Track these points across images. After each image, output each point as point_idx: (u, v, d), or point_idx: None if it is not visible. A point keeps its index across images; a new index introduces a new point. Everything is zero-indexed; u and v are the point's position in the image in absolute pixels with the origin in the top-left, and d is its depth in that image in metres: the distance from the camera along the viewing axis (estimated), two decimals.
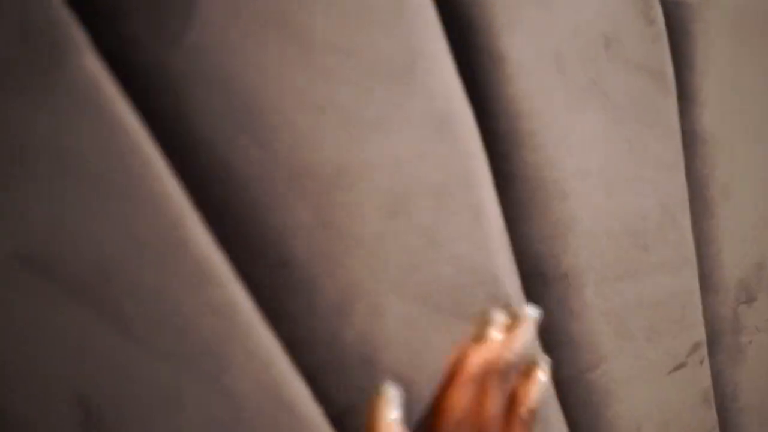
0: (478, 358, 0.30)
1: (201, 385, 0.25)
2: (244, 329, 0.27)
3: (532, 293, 0.36)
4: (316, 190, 0.28)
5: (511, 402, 0.31)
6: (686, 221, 0.42)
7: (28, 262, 0.21)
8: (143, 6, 0.25)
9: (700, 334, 0.44)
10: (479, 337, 0.31)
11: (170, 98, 0.25)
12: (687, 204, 0.42)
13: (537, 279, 0.36)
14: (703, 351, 0.44)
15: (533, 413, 0.31)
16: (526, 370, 0.32)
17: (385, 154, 0.29)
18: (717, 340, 0.46)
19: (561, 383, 0.38)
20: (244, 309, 0.27)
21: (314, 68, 0.28)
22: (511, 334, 0.31)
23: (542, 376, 0.32)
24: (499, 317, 0.32)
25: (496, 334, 0.31)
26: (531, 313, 0.32)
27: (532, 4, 0.34)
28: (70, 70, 0.23)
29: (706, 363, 0.44)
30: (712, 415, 0.45)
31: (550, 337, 0.37)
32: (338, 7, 0.28)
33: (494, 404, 0.30)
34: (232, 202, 0.27)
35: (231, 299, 0.27)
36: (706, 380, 0.44)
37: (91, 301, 0.23)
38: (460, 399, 0.29)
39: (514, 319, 0.32)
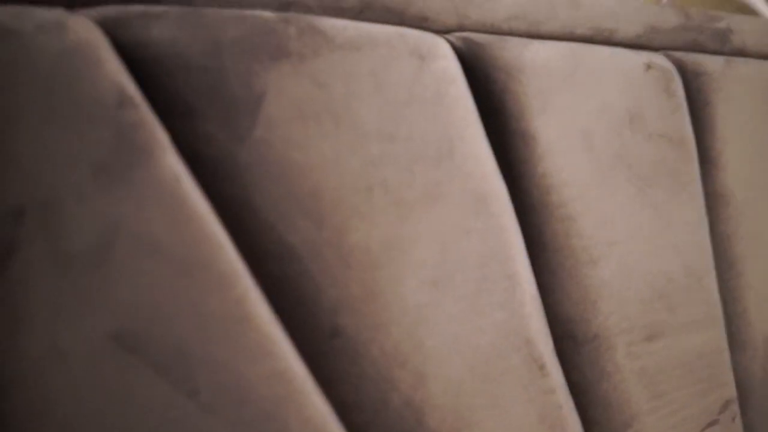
0: None
1: None
2: (299, 396, 0.29)
3: (564, 355, 0.38)
4: (364, 264, 0.31)
5: None
6: (712, 281, 0.44)
7: (121, 340, 0.24)
8: (216, 106, 0.28)
9: (731, 391, 0.45)
10: None
11: (238, 187, 0.28)
12: (712, 264, 0.44)
13: (569, 341, 0.38)
14: (735, 408, 0.45)
15: None
16: None
17: (429, 230, 0.32)
18: (748, 397, 0.47)
19: None
20: (300, 377, 0.29)
21: (365, 153, 0.31)
22: None
23: None
24: None
25: None
26: None
27: (561, 87, 0.36)
28: (154, 167, 0.26)
29: (738, 420, 0.45)
30: None
31: (582, 397, 0.39)
32: (386, 97, 0.31)
33: None
34: (290, 278, 0.30)
35: (288, 369, 0.29)
36: None
37: (170, 375, 0.25)
38: None
39: None
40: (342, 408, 0.31)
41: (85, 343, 0.24)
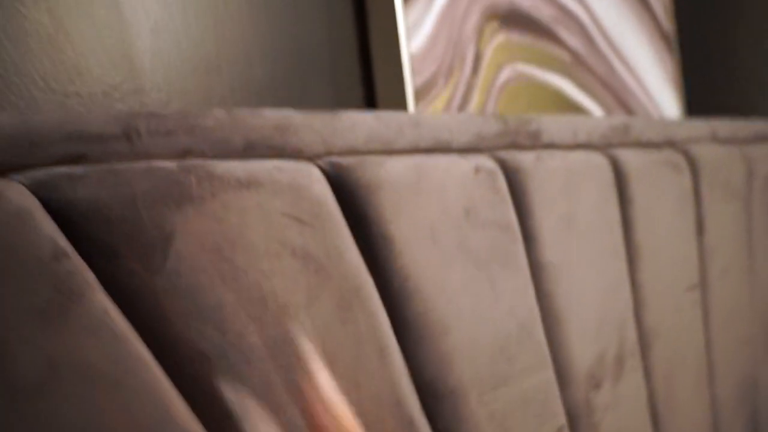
0: None
1: None
2: None
3: (429, 409, 0.47)
4: (263, 359, 0.38)
5: None
6: (540, 333, 0.55)
7: None
8: (134, 247, 0.34)
9: (562, 419, 0.56)
10: None
11: (156, 309, 0.34)
12: (539, 319, 0.55)
13: (432, 398, 0.47)
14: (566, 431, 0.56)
15: None
16: None
17: (312, 325, 0.40)
18: (576, 422, 0.59)
19: None
20: None
21: (257, 270, 0.38)
22: None
23: None
24: None
25: None
26: None
27: (410, 195, 0.46)
28: (86, 305, 0.32)
29: None
30: None
31: None
32: (271, 223, 0.39)
33: None
34: (202, 378, 0.36)
35: None
36: None
37: None
38: None
39: None
40: None
41: None
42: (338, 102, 0.66)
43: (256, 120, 0.41)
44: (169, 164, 0.37)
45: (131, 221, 0.34)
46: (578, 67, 0.90)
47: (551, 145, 0.61)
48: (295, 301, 0.39)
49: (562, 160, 0.60)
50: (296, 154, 0.43)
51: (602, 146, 0.67)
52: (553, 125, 0.62)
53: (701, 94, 1.18)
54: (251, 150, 0.41)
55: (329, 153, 0.45)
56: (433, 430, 0.47)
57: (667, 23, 1.08)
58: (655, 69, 1.05)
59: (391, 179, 0.46)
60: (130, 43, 0.50)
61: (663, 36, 1.07)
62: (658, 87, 1.05)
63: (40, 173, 0.33)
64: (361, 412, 0.41)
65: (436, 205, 0.48)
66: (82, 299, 0.32)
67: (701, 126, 0.84)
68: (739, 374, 0.81)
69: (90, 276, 0.32)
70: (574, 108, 0.89)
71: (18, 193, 0.31)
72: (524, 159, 0.57)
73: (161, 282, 0.35)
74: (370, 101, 0.69)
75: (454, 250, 0.49)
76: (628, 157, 0.68)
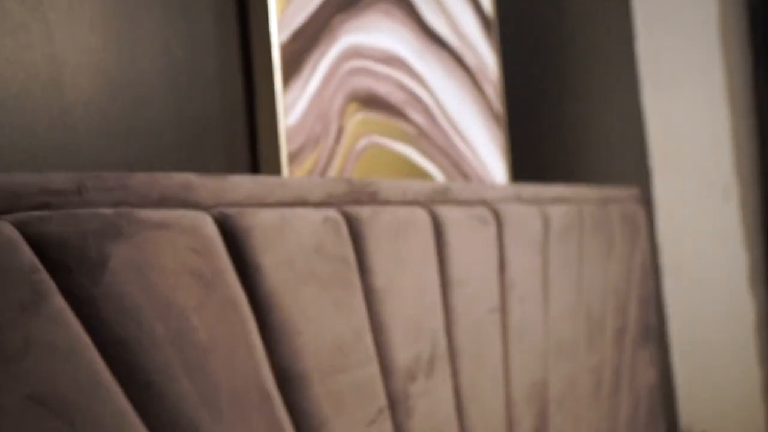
0: None
1: None
2: None
3: (283, 387, 0.66)
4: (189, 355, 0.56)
5: None
6: (369, 338, 0.76)
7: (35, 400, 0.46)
8: (83, 267, 0.51)
9: (383, 401, 0.77)
10: None
11: (97, 309, 0.52)
12: (369, 329, 0.77)
13: (286, 379, 0.67)
14: (386, 412, 0.77)
15: None
16: None
17: (210, 345, 0.58)
18: (397, 405, 0.80)
19: None
20: None
21: (166, 285, 0.56)
22: None
23: None
24: None
25: None
26: None
27: (276, 237, 0.66)
28: (51, 303, 0.49)
29: (389, 419, 0.78)
30: None
31: (294, 412, 0.67)
32: (176, 251, 0.58)
33: None
34: (129, 363, 0.54)
35: None
36: (389, 428, 0.77)
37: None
38: None
39: None
40: None
41: (10, 400, 0.46)
42: (229, 165, 0.86)
43: (167, 180, 0.60)
44: (108, 210, 0.54)
45: (81, 249, 0.52)
46: (423, 139, 1.14)
47: (386, 202, 0.84)
48: (190, 305, 0.58)
49: (393, 214, 0.83)
50: (195, 205, 0.62)
51: (426, 203, 0.90)
52: (388, 187, 0.85)
53: (525, 163, 1.48)
54: (164, 201, 0.59)
55: (218, 205, 0.64)
56: (286, 403, 0.67)
57: (497, 104, 1.37)
58: (487, 142, 1.33)
59: (263, 224, 0.66)
60: (68, 113, 0.67)
61: (494, 115, 1.36)
62: (489, 157, 1.33)
63: (21, 215, 0.50)
64: (233, 389, 0.60)
65: (294, 243, 0.68)
66: (47, 299, 0.49)
67: (509, 189, 1.10)
68: (530, 378, 1.07)
69: (53, 285, 0.50)
70: (420, 172, 1.13)
71: (6, 229, 0.48)
72: (363, 212, 0.78)
73: (99, 291, 0.52)
74: (254, 164, 0.89)
75: (307, 276, 0.69)
76: (446, 212, 0.92)
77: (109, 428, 0.52)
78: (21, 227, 0.49)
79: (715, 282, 2.14)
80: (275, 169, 0.87)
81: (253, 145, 0.89)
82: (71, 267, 0.51)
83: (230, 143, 0.85)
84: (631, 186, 1.74)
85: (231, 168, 0.85)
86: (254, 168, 0.89)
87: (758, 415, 2.06)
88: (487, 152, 1.32)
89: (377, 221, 0.80)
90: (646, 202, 2.16)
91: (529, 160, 1.50)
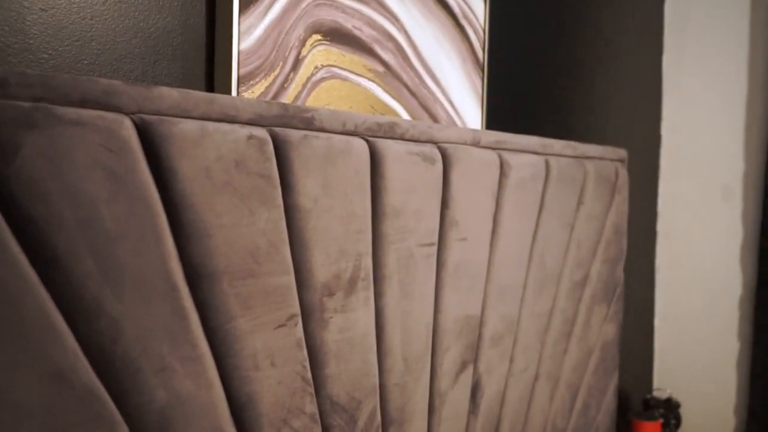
0: None
1: None
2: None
3: (192, 283, 0.74)
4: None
5: None
6: (287, 251, 0.83)
7: None
8: None
9: (295, 309, 0.85)
10: None
11: (7, 188, 0.59)
12: (287, 240, 0.83)
13: (197, 276, 0.74)
14: (298, 319, 0.85)
15: None
16: None
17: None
18: (310, 316, 0.88)
19: (209, 333, 0.76)
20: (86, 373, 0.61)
21: (78, 177, 0.63)
22: None
23: None
24: None
25: None
26: None
27: (194, 146, 0.72)
28: None
29: (300, 326, 0.85)
30: (303, 354, 0.86)
31: (203, 307, 0.75)
32: (90, 147, 0.65)
33: None
34: (43, 244, 0.62)
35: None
36: (299, 334, 0.85)
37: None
38: None
39: None
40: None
41: None
42: (185, 82, 0.92)
43: (90, 84, 0.67)
44: (26, 104, 0.61)
45: None
46: (390, 78, 1.18)
47: (321, 129, 0.89)
48: (100, 197, 0.65)
49: (326, 140, 0.88)
50: (116, 109, 0.69)
51: (365, 135, 0.95)
52: (327, 115, 0.90)
53: (500, 110, 1.50)
54: (84, 103, 0.66)
55: (140, 112, 0.71)
56: (193, 296, 0.75)
57: (479, 51, 1.39)
58: (464, 88, 1.35)
59: (181, 134, 0.72)
60: (23, 17, 0.74)
61: (475, 61, 1.38)
62: (465, 103, 1.36)
63: None
64: (138, 274, 0.68)
65: (212, 155, 0.75)
66: None
67: (466, 132, 1.14)
68: (464, 312, 1.13)
69: None
70: (384, 109, 1.17)
71: None
72: (293, 135, 0.84)
73: (11, 171, 0.60)
74: (210, 85, 0.95)
75: (223, 186, 0.76)
76: (387, 145, 0.97)
77: (15, 294, 0.60)
78: None
79: (707, 254, 2.13)
80: (226, 91, 0.93)
81: (210, 66, 0.95)
82: None
83: (188, 62, 0.91)
84: (620, 148, 1.74)
85: (186, 86, 0.91)
86: (210, 89, 0.95)
87: (730, 388, 2.09)
88: (462, 98, 1.35)
89: (307, 145, 0.85)
90: (652, 167, 2.15)
91: (518, 114, 1.52)
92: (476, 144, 1.16)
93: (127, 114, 0.69)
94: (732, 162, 2.08)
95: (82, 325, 0.65)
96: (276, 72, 0.99)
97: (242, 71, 0.94)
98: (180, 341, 0.73)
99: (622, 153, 1.63)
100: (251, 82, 0.96)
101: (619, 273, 1.60)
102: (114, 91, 0.68)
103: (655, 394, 2.19)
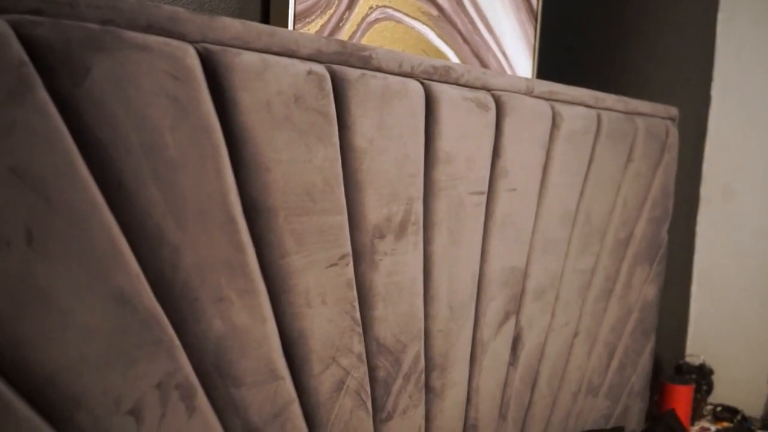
0: None
1: None
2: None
3: (249, 217, 0.74)
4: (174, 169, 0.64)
5: None
6: (341, 191, 0.83)
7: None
8: (67, 70, 0.59)
9: (347, 249, 0.84)
10: None
11: (76, 110, 0.59)
12: (341, 179, 0.83)
13: (253, 210, 0.74)
14: (349, 259, 0.85)
15: None
16: None
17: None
18: (361, 257, 0.88)
19: (264, 268, 0.77)
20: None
21: (142, 105, 0.63)
22: None
23: None
24: None
25: None
26: None
27: (256, 78, 0.72)
28: (36, 95, 0.57)
29: (351, 266, 0.85)
30: (353, 294, 0.86)
31: (260, 241, 0.75)
32: (156, 74, 0.64)
33: None
34: (111, 169, 0.62)
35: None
36: (350, 274, 0.85)
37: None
38: None
39: None
40: None
41: None
42: (241, 13, 0.90)
43: (156, 10, 0.66)
44: (95, 26, 0.61)
45: (66, 53, 0.59)
46: (443, 22, 1.15)
47: (378, 69, 0.87)
48: (164, 124, 0.65)
49: (383, 80, 0.87)
50: (180, 37, 0.68)
51: (421, 77, 0.93)
52: (384, 55, 0.88)
53: (550, 61, 1.46)
54: (150, 28, 0.66)
55: (204, 41, 0.70)
56: (250, 230, 0.75)
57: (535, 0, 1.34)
58: (516, 35, 1.31)
59: (243, 65, 0.71)
60: None
61: (529, 8, 1.33)
62: (516, 51, 1.32)
63: (16, 17, 0.57)
64: (199, 205, 0.68)
65: (273, 88, 0.74)
66: (32, 91, 0.57)
67: (520, 81, 1.11)
68: (509, 264, 1.12)
69: (38, 80, 0.57)
70: (436, 53, 1.15)
71: (1, 26, 0.56)
72: (351, 73, 0.83)
73: (80, 93, 0.60)
74: (265, 18, 0.93)
75: (283, 120, 0.75)
76: (442, 89, 0.95)
77: (81, 215, 0.61)
78: (15, 26, 0.57)
79: (748, 223, 2.08)
80: (282, 26, 0.92)
81: (266, 2, 0.93)
82: (55, 68, 0.58)
83: None
84: (671, 106, 1.69)
85: (242, 18, 0.89)
86: (265, 22, 0.93)
87: (763, 358, 2.07)
88: (514, 47, 1.31)
89: (364, 83, 0.84)
90: (700, 130, 2.09)
91: (568, 66, 1.48)
92: (529, 93, 1.13)
93: (191, 42, 0.69)
94: None
95: (145, 251, 0.66)
96: (332, 10, 0.97)
97: (299, 8, 0.92)
98: (237, 274, 0.74)
99: (674, 111, 1.58)
100: (307, 20, 0.94)
101: (664, 234, 1.57)
102: (178, 18, 0.67)
103: (688, 359, 2.18)
